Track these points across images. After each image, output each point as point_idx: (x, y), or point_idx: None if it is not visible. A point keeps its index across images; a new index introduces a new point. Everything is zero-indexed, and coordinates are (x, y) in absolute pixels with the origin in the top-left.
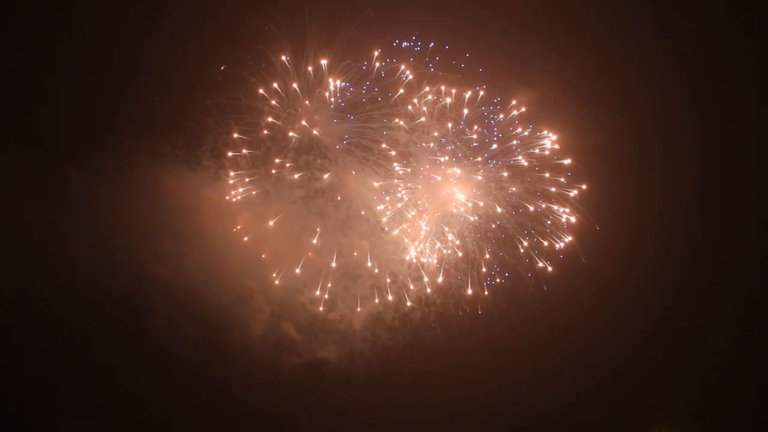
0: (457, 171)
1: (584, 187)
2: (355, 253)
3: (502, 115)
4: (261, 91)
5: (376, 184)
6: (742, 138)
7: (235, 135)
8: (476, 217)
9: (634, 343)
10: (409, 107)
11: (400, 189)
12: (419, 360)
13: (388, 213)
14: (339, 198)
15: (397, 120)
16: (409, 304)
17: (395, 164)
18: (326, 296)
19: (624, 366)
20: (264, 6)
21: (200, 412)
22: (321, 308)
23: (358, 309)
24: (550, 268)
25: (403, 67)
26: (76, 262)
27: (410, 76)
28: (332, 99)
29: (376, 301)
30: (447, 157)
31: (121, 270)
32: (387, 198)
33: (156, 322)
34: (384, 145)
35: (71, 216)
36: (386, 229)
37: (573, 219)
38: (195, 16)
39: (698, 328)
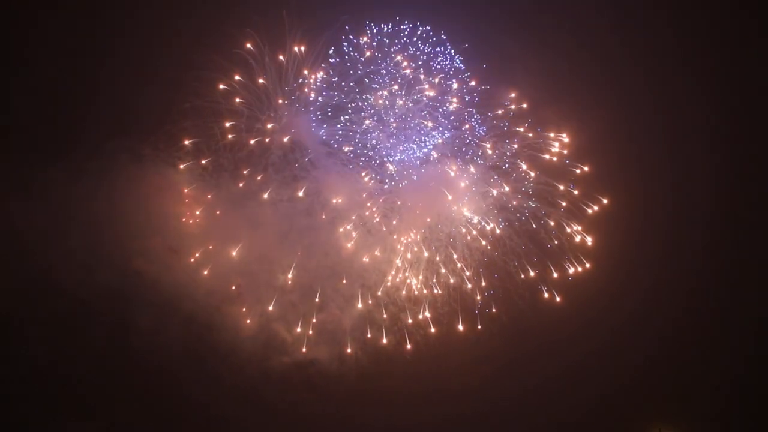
0: (462, 184)
1: (605, 201)
2: (344, 281)
3: (500, 110)
4: (239, 95)
5: (336, 201)
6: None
7: (213, 137)
8: (483, 237)
9: (634, 345)
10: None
11: (368, 205)
12: (410, 360)
13: (354, 234)
14: (324, 217)
15: (367, 121)
16: (409, 345)
17: (363, 173)
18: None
19: (625, 366)
20: (242, 9)
21: (189, 413)
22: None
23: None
24: (558, 298)
25: (399, 58)
26: (59, 263)
27: (407, 70)
28: (312, 96)
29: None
30: (435, 156)
31: (105, 270)
32: (353, 216)
33: (142, 322)
34: (356, 149)
35: (54, 216)
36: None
37: (589, 240)
38: (174, 19)
39: (699, 330)
